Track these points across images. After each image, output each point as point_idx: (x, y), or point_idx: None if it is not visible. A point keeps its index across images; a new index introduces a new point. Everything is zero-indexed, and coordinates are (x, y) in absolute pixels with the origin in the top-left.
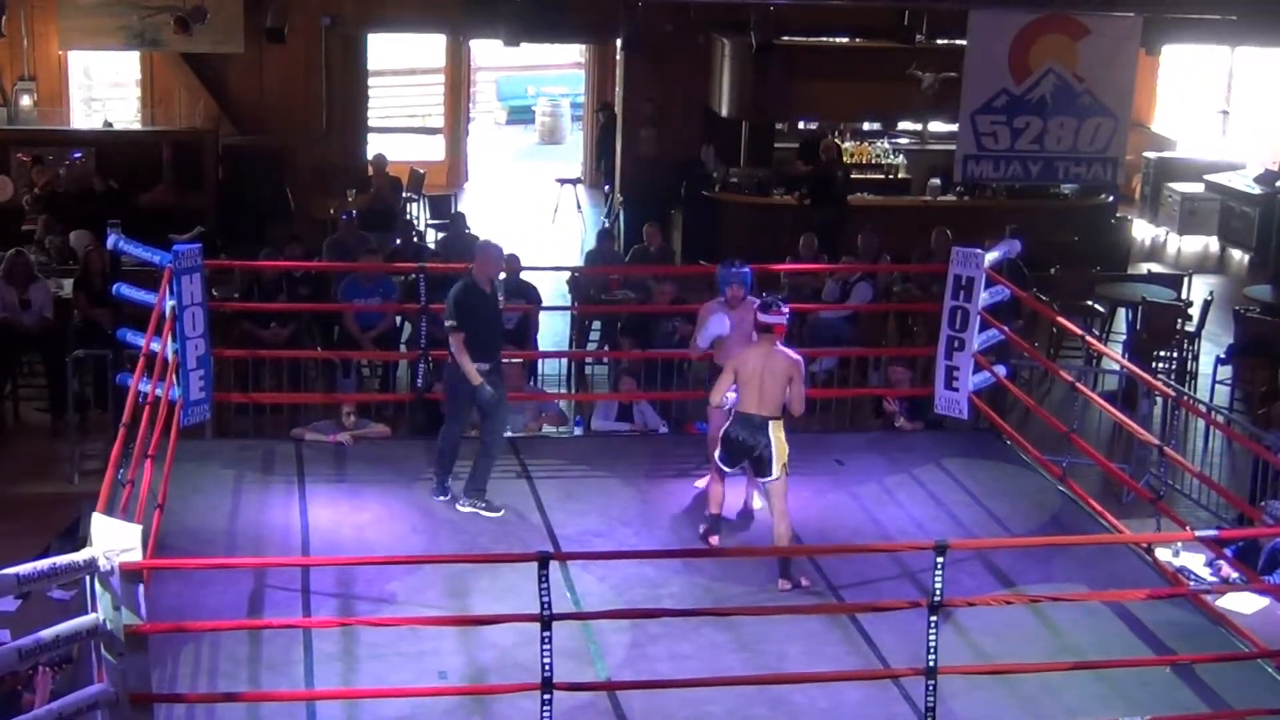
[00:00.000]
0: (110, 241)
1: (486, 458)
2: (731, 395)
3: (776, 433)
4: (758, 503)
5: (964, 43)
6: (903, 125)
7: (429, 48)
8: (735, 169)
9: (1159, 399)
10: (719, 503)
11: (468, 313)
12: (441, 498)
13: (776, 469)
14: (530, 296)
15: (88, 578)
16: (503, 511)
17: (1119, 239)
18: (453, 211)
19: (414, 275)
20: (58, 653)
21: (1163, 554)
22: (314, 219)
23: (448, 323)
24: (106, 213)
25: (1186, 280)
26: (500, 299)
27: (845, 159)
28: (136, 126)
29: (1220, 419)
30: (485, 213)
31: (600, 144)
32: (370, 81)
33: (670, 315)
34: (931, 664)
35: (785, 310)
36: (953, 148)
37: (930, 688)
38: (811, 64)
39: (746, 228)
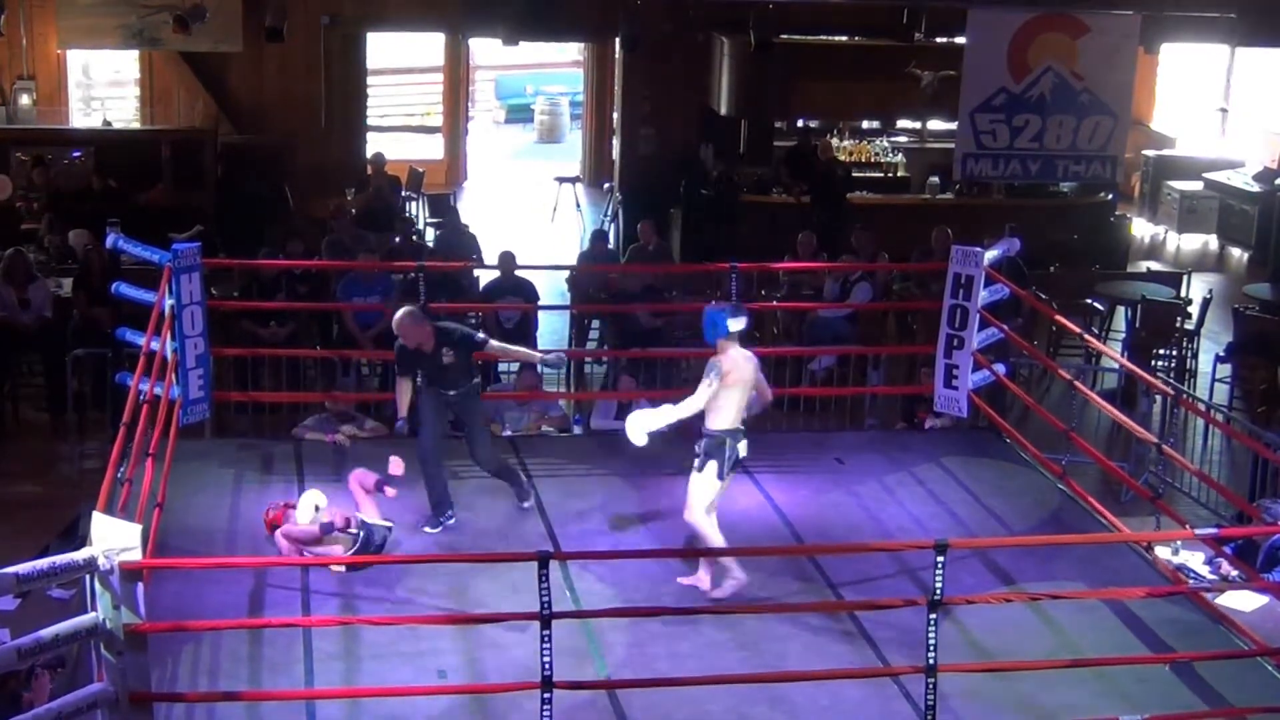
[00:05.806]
0: (109, 240)
1: None
2: None
3: None
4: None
5: (963, 41)
6: (902, 123)
7: (428, 46)
8: (734, 167)
9: (1158, 397)
10: None
11: None
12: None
13: None
14: (528, 295)
15: (87, 577)
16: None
17: (1118, 237)
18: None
19: (413, 274)
20: (57, 653)
21: (1162, 552)
22: (313, 218)
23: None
24: (105, 212)
25: (1186, 278)
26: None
27: (844, 157)
28: (135, 125)
29: (1219, 417)
30: (484, 211)
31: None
32: (369, 80)
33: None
34: (931, 662)
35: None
36: (952, 146)
37: (930, 686)
38: (811, 62)
39: (746, 226)
